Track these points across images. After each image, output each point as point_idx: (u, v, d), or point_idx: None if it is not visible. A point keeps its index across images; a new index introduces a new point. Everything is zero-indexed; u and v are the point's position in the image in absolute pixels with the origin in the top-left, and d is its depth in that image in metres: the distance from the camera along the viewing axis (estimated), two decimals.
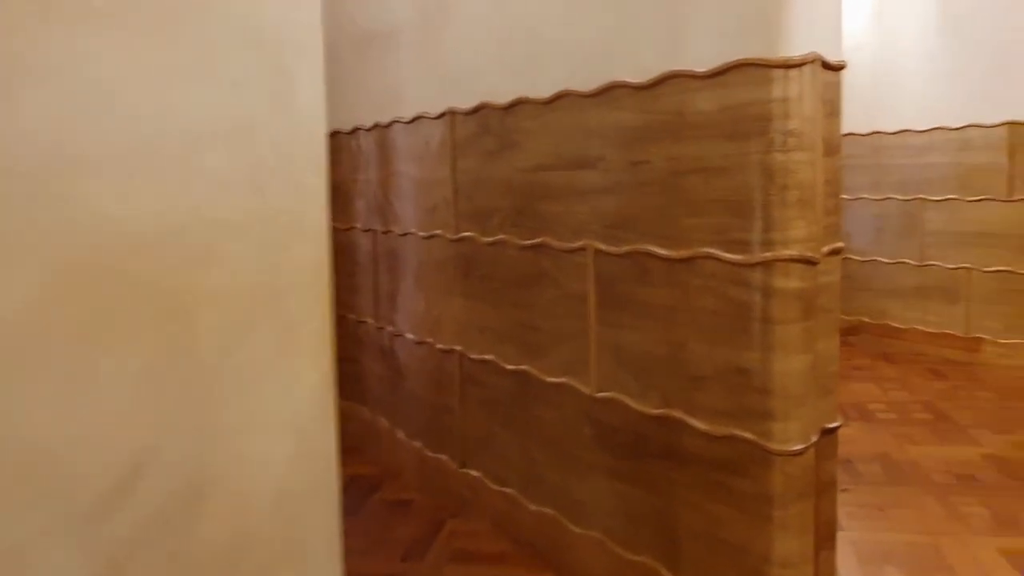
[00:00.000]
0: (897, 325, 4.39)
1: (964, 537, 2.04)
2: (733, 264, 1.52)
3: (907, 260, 4.32)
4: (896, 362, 4.07)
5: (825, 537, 1.62)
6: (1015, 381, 3.62)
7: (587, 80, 1.80)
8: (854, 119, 4.44)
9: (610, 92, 1.74)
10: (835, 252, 1.60)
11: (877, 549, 1.98)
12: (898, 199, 4.33)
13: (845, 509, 2.14)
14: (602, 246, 1.79)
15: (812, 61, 1.44)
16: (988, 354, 4.00)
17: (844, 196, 4.57)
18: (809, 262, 1.48)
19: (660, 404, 1.68)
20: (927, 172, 4.19)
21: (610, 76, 1.73)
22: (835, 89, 1.54)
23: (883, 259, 4.42)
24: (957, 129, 4.03)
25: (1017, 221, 3.85)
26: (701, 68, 1.54)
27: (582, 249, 1.85)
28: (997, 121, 3.87)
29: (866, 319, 4.54)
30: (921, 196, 4.22)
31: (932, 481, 2.39)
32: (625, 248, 1.73)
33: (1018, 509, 2.18)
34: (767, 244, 1.47)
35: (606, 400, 1.82)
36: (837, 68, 1.54)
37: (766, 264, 1.47)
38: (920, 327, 4.29)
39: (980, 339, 4.03)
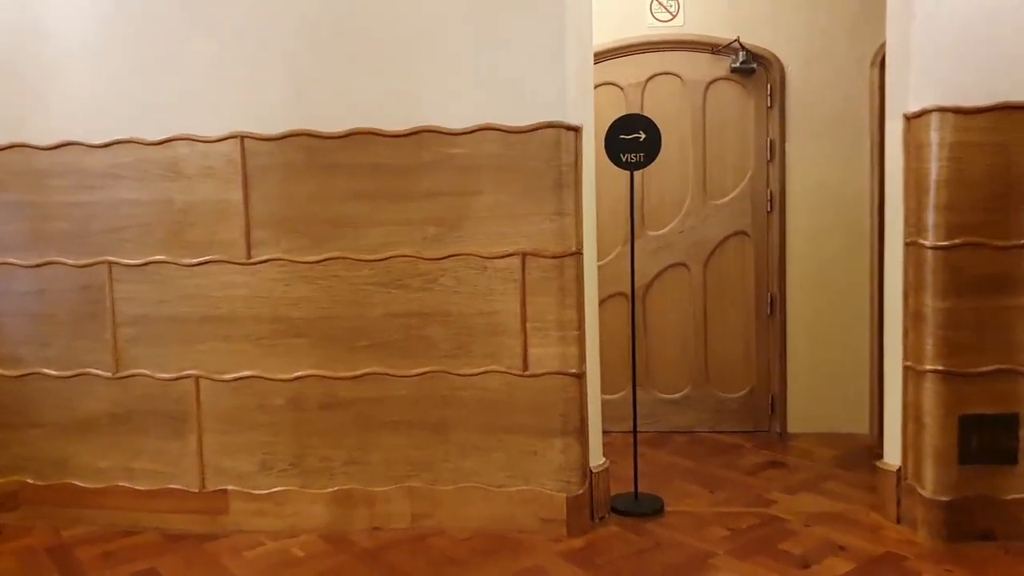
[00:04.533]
0: (86, 484, 2.48)
1: None
2: None
3: (94, 370, 2.45)
4: (82, 570, 2.15)
5: None
6: (270, 569, 2.12)
7: None
8: None
9: None
10: None
11: None
12: (70, 264, 2.45)
13: None
14: None
15: None
16: (236, 515, 2.42)
17: None
18: None
19: None
20: (116, 216, 2.42)
21: None
22: None
23: (53, 371, 2.47)
24: (159, 144, 2.38)
25: (260, 295, 2.39)
26: None
27: None
28: (222, 133, 2.36)
29: (29, 480, 2.50)
30: (110, 258, 2.42)
31: None
32: None
33: None
34: None
35: None
36: None
37: None
38: (127, 483, 2.46)
39: (224, 491, 2.43)
